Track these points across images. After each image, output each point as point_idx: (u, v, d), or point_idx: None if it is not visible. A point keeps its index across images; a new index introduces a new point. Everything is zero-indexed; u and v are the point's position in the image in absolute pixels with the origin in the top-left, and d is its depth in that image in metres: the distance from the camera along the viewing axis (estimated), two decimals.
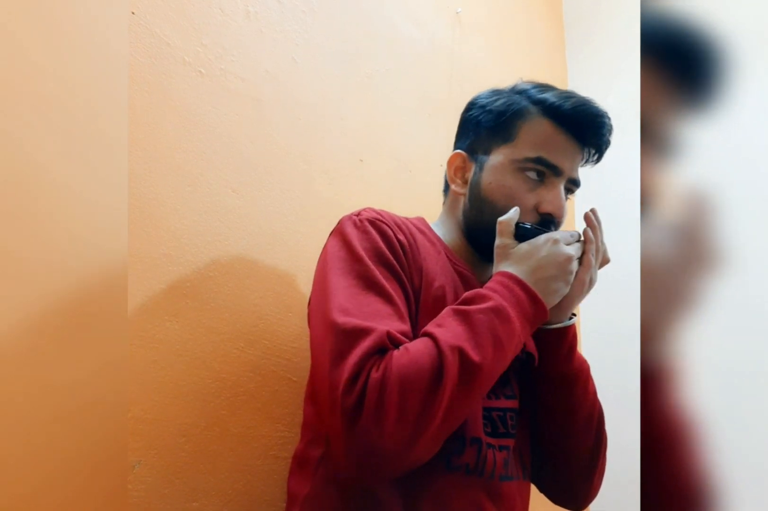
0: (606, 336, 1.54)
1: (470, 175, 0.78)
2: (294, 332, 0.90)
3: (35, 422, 0.43)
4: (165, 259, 0.77)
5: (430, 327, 0.60)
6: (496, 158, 0.75)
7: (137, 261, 0.74)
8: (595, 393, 0.76)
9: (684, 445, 0.49)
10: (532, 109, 0.74)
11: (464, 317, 0.60)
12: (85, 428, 0.45)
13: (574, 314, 0.73)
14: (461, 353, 0.56)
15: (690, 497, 0.48)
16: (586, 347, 1.58)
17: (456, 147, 0.82)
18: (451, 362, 0.55)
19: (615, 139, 0.77)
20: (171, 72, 0.82)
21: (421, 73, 1.27)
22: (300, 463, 0.70)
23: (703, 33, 0.50)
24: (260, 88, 0.93)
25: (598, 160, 0.78)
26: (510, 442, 0.71)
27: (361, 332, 0.57)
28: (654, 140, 0.52)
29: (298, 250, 0.94)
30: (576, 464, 0.76)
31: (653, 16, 0.52)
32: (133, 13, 0.79)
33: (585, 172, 0.79)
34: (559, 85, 1.74)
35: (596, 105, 0.73)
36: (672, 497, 0.49)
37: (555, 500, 0.80)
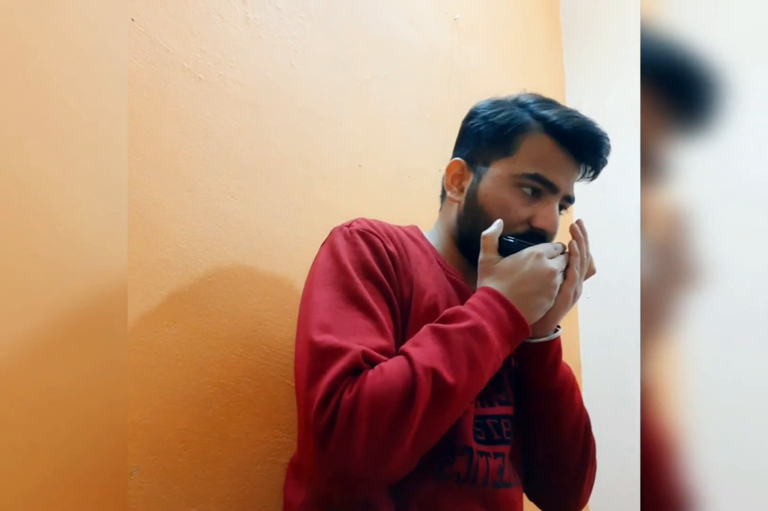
0: (605, 346, 1.54)
1: (467, 184, 0.78)
2: (293, 337, 0.89)
3: (34, 427, 0.43)
4: (164, 264, 0.77)
5: (407, 346, 0.60)
6: (495, 171, 0.75)
7: (136, 266, 0.74)
8: (581, 403, 0.77)
9: (683, 455, 0.49)
10: (534, 124, 0.74)
11: (441, 337, 0.60)
12: (84, 433, 0.45)
13: (559, 327, 0.73)
14: (435, 374, 0.56)
15: (689, 507, 0.48)
16: (585, 354, 1.58)
17: (455, 155, 0.82)
18: (424, 383, 0.55)
19: (613, 146, 0.77)
20: (170, 78, 0.82)
21: (420, 79, 1.28)
22: (296, 470, 0.70)
23: (700, 56, 0.50)
24: (259, 93, 0.94)
25: (594, 177, 0.79)
26: (505, 448, 0.70)
27: (336, 352, 0.57)
28: (649, 159, 0.52)
29: (297, 256, 0.94)
30: (565, 473, 0.76)
31: (652, 34, 0.52)
32: (132, 19, 0.79)
33: (583, 183, 0.79)
34: (557, 89, 1.75)
35: (597, 125, 0.74)
36: (672, 505, 0.49)
37: (545, 508, 0.80)
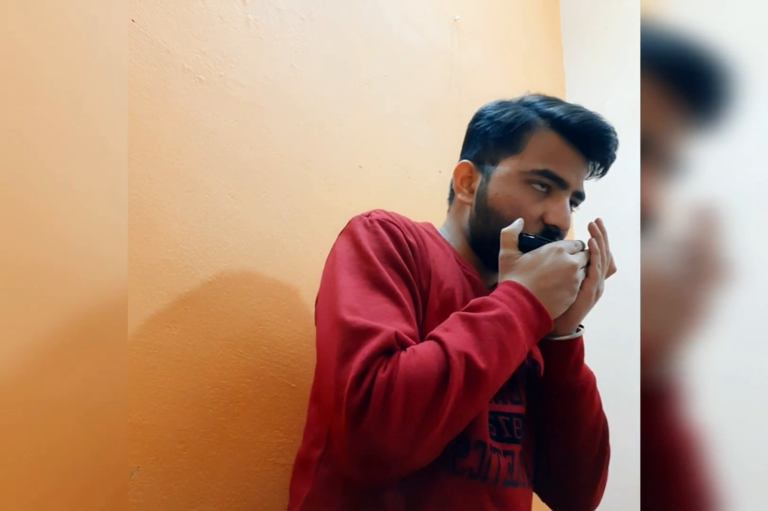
0: (607, 348, 1.54)
1: (477, 185, 0.78)
2: (293, 338, 0.90)
3: (34, 428, 0.43)
4: (164, 265, 0.77)
5: (437, 331, 0.60)
6: (503, 169, 0.75)
7: (137, 267, 0.74)
8: (600, 406, 0.76)
9: (685, 461, 0.49)
10: (540, 122, 0.74)
11: (471, 324, 0.60)
12: (84, 434, 0.45)
13: (582, 326, 0.73)
14: (468, 358, 0.56)
15: (692, 505, 0.47)
16: (587, 356, 1.57)
17: (463, 157, 0.82)
18: (458, 367, 0.55)
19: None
20: (170, 78, 0.83)
21: (420, 79, 1.28)
22: (302, 464, 0.70)
23: (707, 48, 0.49)
24: (259, 94, 0.94)
25: (603, 173, 0.79)
26: (515, 447, 0.70)
27: (369, 331, 0.57)
28: (656, 156, 0.52)
29: (297, 256, 0.94)
30: (579, 475, 0.76)
31: (654, 31, 0.52)
32: (133, 20, 0.79)
33: (592, 181, 0.79)
34: (557, 90, 1.75)
35: (603, 120, 0.74)
36: (673, 506, 0.48)
37: (557, 509, 0.80)
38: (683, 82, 0.50)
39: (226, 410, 0.80)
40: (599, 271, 0.71)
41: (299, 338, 0.90)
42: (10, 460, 0.41)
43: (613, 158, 0.77)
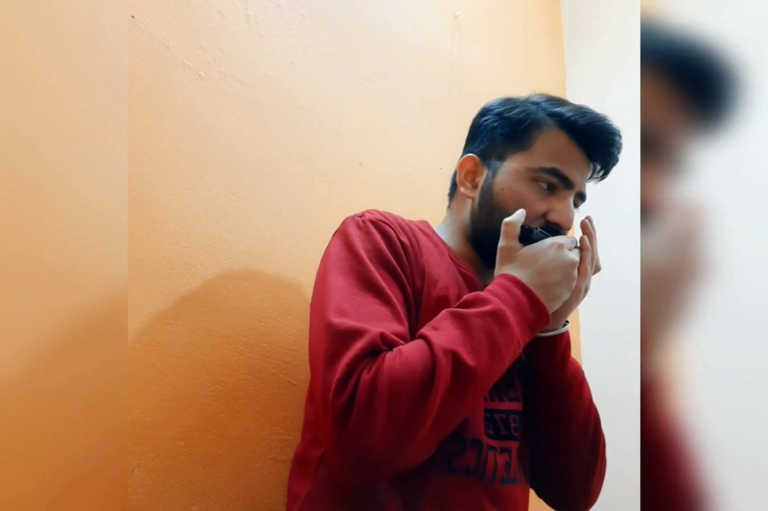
0: (606, 343, 1.54)
1: (482, 179, 0.78)
2: (293, 335, 0.90)
3: (35, 425, 0.43)
4: (164, 262, 0.77)
5: (425, 330, 0.60)
6: (511, 165, 0.75)
7: (137, 264, 0.74)
8: (590, 399, 0.76)
9: (683, 453, 0.49)
10: (549, 120, 0.75)
11: (461, 320, 0.60)
12: (84, 431, 0.45)
13: (567, 321, 0.73)
14: (455, 356, 0.56)
15: (690, 506, 0.47)
16: (586, 353, 1.58)
17: (467, 151, 0.82)
18: (444, 365, 0.55)
19: None
20: (170, 75, 0.82)
21: (421, 77, 1.28)
22: (300, 463, 0.70)
23: (707, 46, 0.49)
24: (259, 91, 0.94)
25: (604, 176, 0.79)
26: (512, 444, 0.70)
27: (355, 333, 0.57)
28: (656, 154, 0.52)
29: (297, 253, 0.94)
30: (574, 470, 0.76)
31: (654, 29, 0.51)
32: (132, 16, 0.79)
33: (591, 183, 0.80)
34: (558, 88, 1.75)
35: (611, 122, 0.74)
36: (672, 505, 0.48)
37: (554, 505, 0.80)
38: (683, 80, 0.50)
39: (226, 407, 0.80)
40: (589, 268, 0.71)
41: (300, 335, 0.90)
42: (11, 457, 0.41)
43: (615, 161, 0.77)
